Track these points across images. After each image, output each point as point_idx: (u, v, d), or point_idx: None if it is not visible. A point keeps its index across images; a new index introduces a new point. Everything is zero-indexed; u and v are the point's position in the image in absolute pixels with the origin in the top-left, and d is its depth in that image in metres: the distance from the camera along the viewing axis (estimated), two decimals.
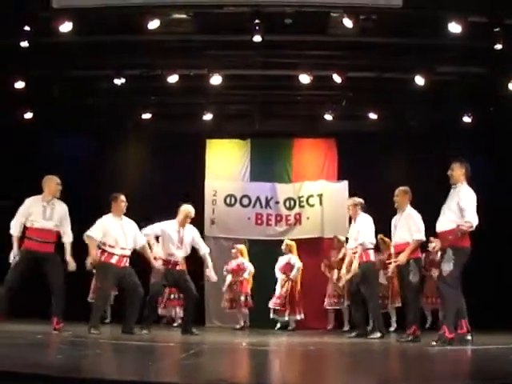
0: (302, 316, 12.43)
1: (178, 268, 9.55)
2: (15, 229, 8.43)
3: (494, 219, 12.28)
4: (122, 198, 9.13)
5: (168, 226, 9.52)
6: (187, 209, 9.66)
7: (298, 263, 12.50)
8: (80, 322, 8.96)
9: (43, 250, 8.45)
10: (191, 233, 9.70)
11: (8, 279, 8.28)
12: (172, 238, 9.46)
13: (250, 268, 12.56)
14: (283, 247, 12.60)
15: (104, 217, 8.97)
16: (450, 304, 7.38)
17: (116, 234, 8.89)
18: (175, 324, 12.46)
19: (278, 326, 12.48)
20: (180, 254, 9.55)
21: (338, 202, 13.49)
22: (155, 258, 9.40)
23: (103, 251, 8.82)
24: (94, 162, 13.79)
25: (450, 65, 11.26)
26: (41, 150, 13.39)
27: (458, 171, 7.73)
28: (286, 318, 12.38)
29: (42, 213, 8.51)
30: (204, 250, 9.74)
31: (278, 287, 12.42)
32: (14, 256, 8.30)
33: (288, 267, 12.50)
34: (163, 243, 9.53)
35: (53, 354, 5.90)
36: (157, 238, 9.63)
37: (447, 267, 7.27)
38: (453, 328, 7.24)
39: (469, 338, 7.37)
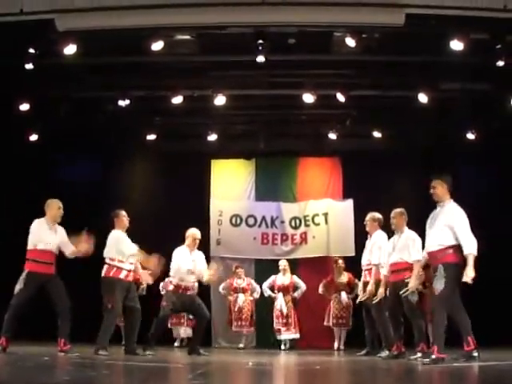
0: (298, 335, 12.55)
1: (188, 293, 9.60)
2: (33, 245, 8.45)
3: (499, 234, 12.30)
4: (124, 213, 9.18)
5: (181, 254, 9.62)
6: (194, 231, 9.80)
7: (303, 284, 12.65)
8: (88, 343, 8.92)
9: (47, 271, 8.45)
10: (202, 258, 9.86)
11: (14, 305, 8.25)
12: (184, 264, 9.52)
13: (258, 288, 12.68)
14: (285, 267, 12.66)
15: (113, 231, 9.02)
16: (439, 324, 7.24)
17: (125, 247, 8.92)
18: (177, 344, 12.57)
19: (283, 345, 12.45)
20: (191, 279, 9.63)
21: (344, 221, 13.52)
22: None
23: (111, 266, 8.81)
24: (98, 182, 13.82)
25: (452, 82, 11.28)
26: (46, 171, 13.41)
27: (440, 188, 7.56)
28: (290, 337, 12.44)
29: (49, 235, 8.55)
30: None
31: (281, 307, 12.39)
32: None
33: (292, 286, 12.59)
34: (175, 269, 9.56)
35: (60, 375, 5.89)
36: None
37: (439, 285, 7.14)
38: (443, 348, 7.12)
39: (475, 354, 7.29)
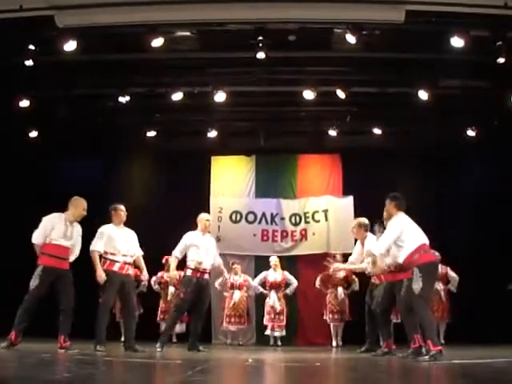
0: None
1: (205, 277, 9.65)
2: (40, 240, 8.36)
3: (500, 231, 12.32)
4: (122, 207, 9.14)
5: (192, 236, 9.72)
6: (205, 216, 9.96)
7: (294, 280, 12.69)
8: (88, 340, 8.91)
9: (61, 266, 8.38)
10: (213, 241, 10.04)
11: (29, 301, 8.19)
12: (199, 245, 9.62)
13: (254, 286, 12.67)
14: (276, 264, 12.68)
15: (103, 226, 8.96)
16: (425, 319, 7.41)
17: (117, 240, 8.87)
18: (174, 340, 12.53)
19: (273, 341, 12.48)
20: (208, 262, 9.67)
21: (344, 218, 13.48)
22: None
23: (105, 259, 8.78)
24: (98, 179, 13.81)
25: (453, 79, 11.28)
26: (46, 169, 13.40)
27: (388, 206, 8.08)
28: (282, 334, 12.44)
29: (64, 232, 8.43)
30: (219, 260, 10.07)
31: (274, 303, 12.38)
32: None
33: (283, 283, 12.60)
34: (191, 253, 9.63)
35: (60, 372, 5.88)
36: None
37: (417, 285, 7.35)
38: (437, 341, 7.35)
39: (423, 351, 7.64)
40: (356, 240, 10.18)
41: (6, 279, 8.52)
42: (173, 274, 9.78)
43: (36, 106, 11.54)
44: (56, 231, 8.41)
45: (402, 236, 7.62)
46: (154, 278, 12.19)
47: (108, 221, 9.19)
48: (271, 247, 13.93)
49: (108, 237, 8.85)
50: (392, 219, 7.88)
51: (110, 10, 8.72)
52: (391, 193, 8.13)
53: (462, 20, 9.05)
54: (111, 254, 8.81)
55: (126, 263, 8.90)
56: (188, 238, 9.70)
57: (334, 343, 12.23)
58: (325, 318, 12.36)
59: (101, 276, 8.60)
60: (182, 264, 9.81)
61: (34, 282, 8.24)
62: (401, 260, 7.69)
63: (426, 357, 7.24)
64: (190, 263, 9.61)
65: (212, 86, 11.51)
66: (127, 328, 9.08)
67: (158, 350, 9.12)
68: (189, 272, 9.61)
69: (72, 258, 8.64)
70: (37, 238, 8.41)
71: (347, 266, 10.18)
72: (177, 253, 9.67)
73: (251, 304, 13.03)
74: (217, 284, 12.37)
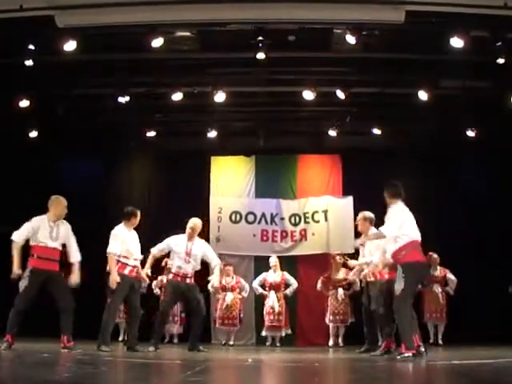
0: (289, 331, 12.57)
1: (187, 281, 9.60)
2: (19, 239, 8.32)
3: (500, 231, 12.31)
4: (139, 213, 9.27)
5: (175, 240, 9.70)
6: (193, 222, 9.79)
7: (294, 281, 12.65)
8: (90, 340, 8.91)
9: (50, 268, 8.36)
10: (201, 247, 9.82)
11: (19, 303, 8.18)
12: (179, 251, 9.58)
13: (247, 286, 12.62)
14: (276, 264, 12.66)
15: (117, 228, 9.02)
16: (404, 321, 7.35)
17: (130, 244, 8.97)
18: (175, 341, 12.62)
19: (273, 342, 12.47)
20: (188, 267, 9.60)
21: (344, 218, 13.50)
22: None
23: (117, 262, 8.83)
24: (98, 179, 13.82)
25: (452, 79, 11.28)
26: (46, 169, 13.39)
27: (386, 193, 8.04)
28: (283, 334, 12.42)
29: (49, 233, 8.41)
30: (216, 261, 9.88)
31: (273, 304, 12.36)
32: (14, 273, 8.23)
33: (283, 283, 12.57)
34: (172, 256, 9.72)
35: (60, 372, 5.88)
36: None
37: (398, 286, 7.31)
38: (412, 344, 7.27)
39: (422, 349, 7.51)
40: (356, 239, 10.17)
41: (7, 280, 8.49)
42: (146, 271, 9.52)
43: (36, 106, 11.54)
44: (41, 233, 8.39)
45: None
46: (154, 282, 12.13)
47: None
48: (271, 247, 13.90)
49: (123, 240, 8.91)
50: (392, 206, 7.81)
51: (110, 10, 8.73)
52: (388, 180, 8.18)
53: (462, 20, 9.05)
54: (124, 257, 8.90)
55: (135, 267, 9.04)
56: (171, 241, 9.70)
57: (331, 343, 12.23)
58: (326, 320, 12.34)
59: (115, 280, 8.66)
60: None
61: (23, 284, 8.24)
62: (388, 254, 7.63)
63: (398, 357, 7.25)
64: (172, 268, 9.75)
65: (212, 86, 11.50)
66: (131, 328, 9.13)
67: (151, 350, 9.12)
68: (170, 276, 9.82)
69: (75, 258, 8.57)
70: (18, 236, 8.34)
71: (358, 262, 10.01)
72: (154, 250, 9.63)
73: (249, 305, 13.03)
74: (209, 286, 12.20)
